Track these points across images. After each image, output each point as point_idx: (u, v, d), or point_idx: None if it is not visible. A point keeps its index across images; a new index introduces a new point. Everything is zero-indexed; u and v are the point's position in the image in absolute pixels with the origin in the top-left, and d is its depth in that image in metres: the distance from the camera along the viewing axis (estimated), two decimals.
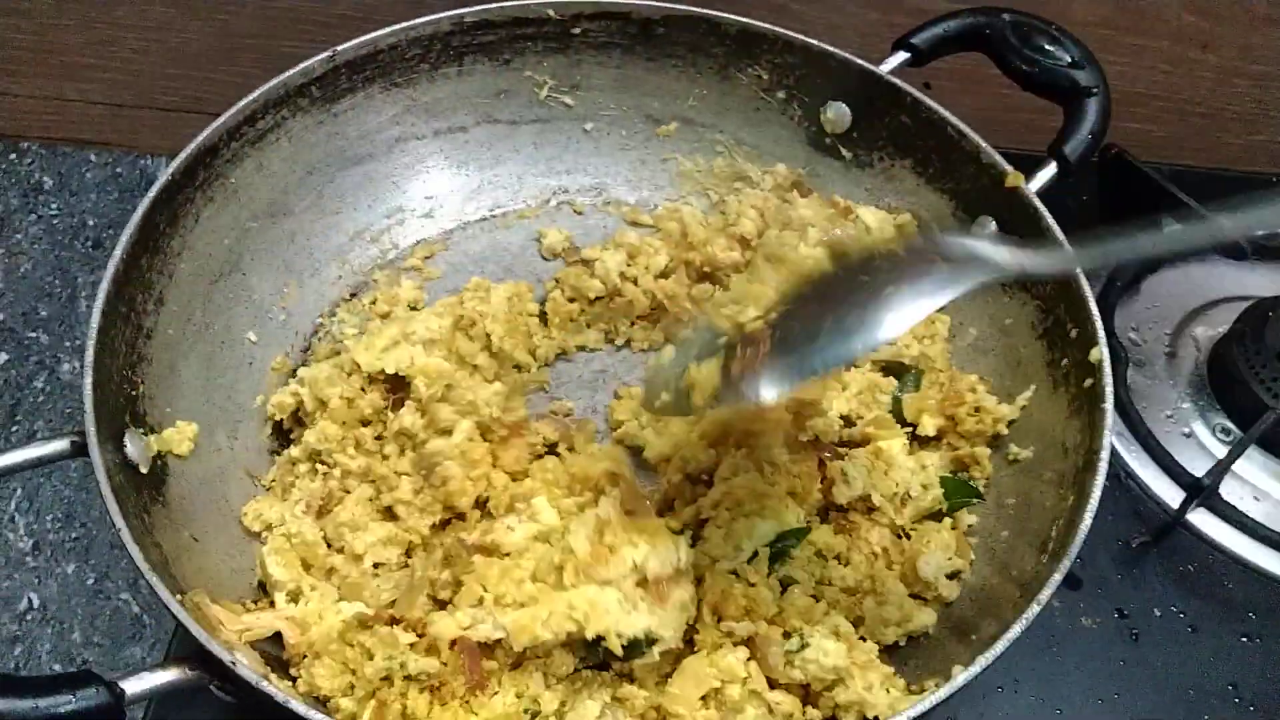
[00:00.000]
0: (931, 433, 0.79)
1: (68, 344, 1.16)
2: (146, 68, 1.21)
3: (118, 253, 0.71)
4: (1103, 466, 0.68)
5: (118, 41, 1.19)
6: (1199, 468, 0.88)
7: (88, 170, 1.29)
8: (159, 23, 1.16)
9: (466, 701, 0.64)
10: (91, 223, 1.25)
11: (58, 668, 0.98)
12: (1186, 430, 0.95)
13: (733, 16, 0.91)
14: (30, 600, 1.01)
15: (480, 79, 0.94)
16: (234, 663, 0.55)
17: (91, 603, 1.01)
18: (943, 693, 0.59)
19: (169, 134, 1.28)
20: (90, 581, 1.02)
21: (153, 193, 0.75)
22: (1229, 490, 0.89)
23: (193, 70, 1.21)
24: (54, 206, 1.26)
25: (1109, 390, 0.70)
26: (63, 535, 1.05)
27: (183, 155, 0.78)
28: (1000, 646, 0.60)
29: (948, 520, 0.75)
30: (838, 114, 0.92)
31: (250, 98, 0.83)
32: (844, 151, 0.94)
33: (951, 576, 0.73)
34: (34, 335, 1.17)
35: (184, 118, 1.26)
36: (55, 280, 1.21)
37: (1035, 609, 0.61)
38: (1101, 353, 0.72)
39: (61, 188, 1.27)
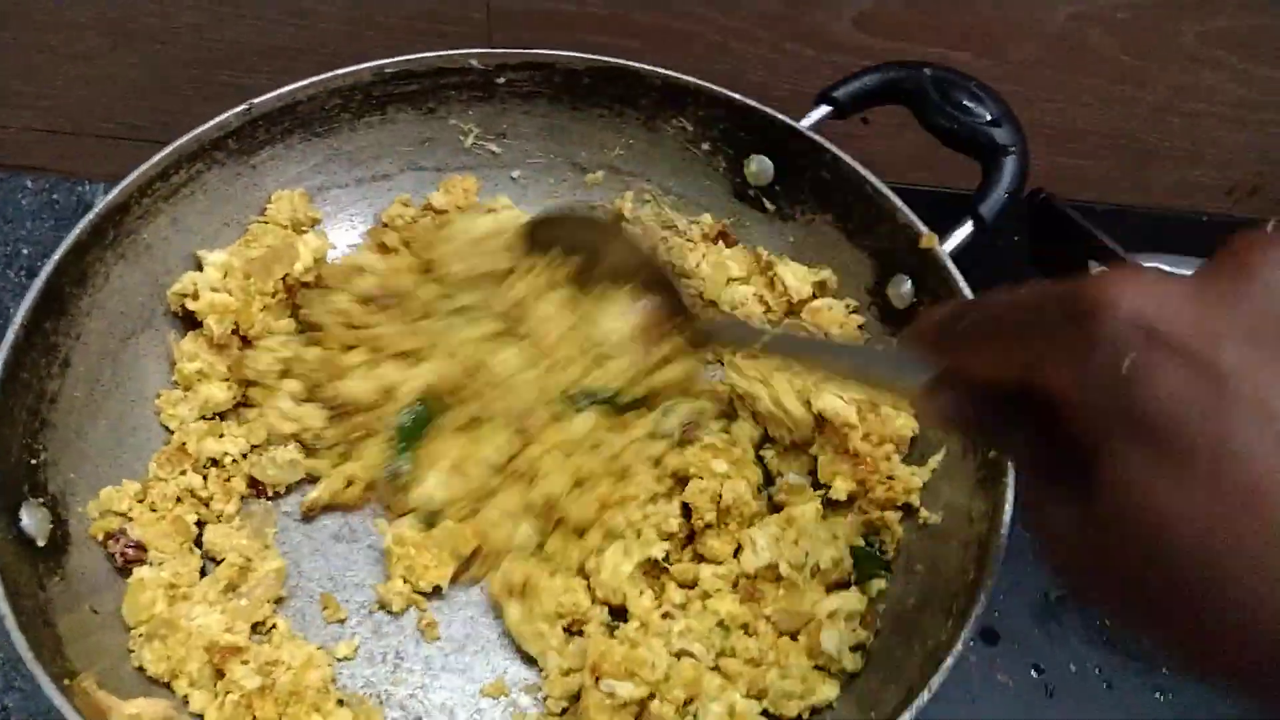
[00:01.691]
0: (843, 497, 0.79)
1: None
2: (82, 95, 1.20)
3: (17, 319, 0.70)
4: (1003, 538, 0.68)
5: (52, 69, 1.17)
6: None
7: (23, 196, 1.27)
8: (93, 51, 1.15)
9: None
10: (26, 251, 1.24)
11: None
12: None
13: (657, 70, 0.90)
14: None
15: (404, 127, 0.93)
16: None
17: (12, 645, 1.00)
18: None
19: (106, 160, 1.27)
20: None
21: (57, 255, 0.74)
22: None
23: (129, 98, 1.20)
24: None
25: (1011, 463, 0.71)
26: None
27: (89, 216, 0.76)
28: None
29: (854, 589, 0.75)
30: (760, 167, 0.92)
31: (162, 153, 0.81)
32: (767, 204, 0.94)
33: (855, 648, 0.73)
34: None
35: (120, 144, 1.25)
36: None
37: (925, 696, 0.61)
38: None
39: None
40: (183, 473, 0.79)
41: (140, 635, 0.71)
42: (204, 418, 0.82)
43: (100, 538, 0.74)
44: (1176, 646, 0.38)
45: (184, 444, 0.79)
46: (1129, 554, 0.37)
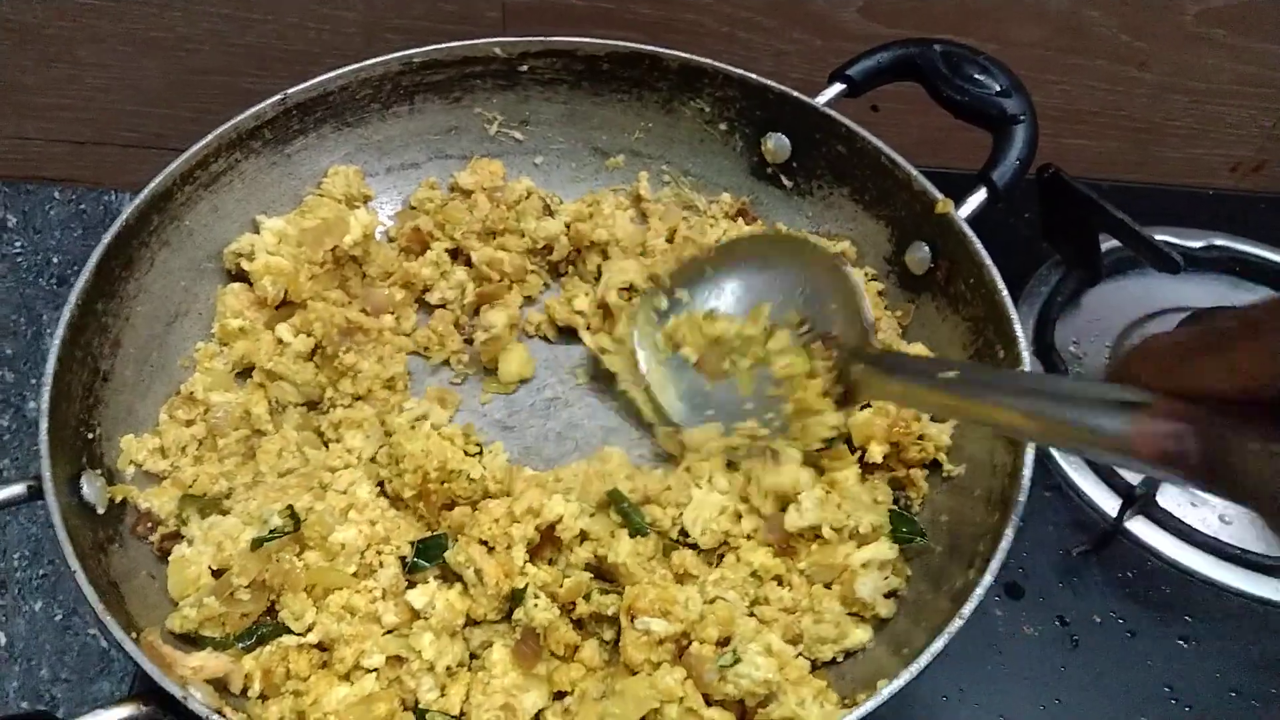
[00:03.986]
0: (878, 459, 0.81)
1: (33, 381, 1.18)
2: (107, 105, 1.23)
3: (72, 299, 0.73)
4: (1025, 485, 0.70)
5: (78, 80, 1.20)
6: (1137, 476, 0.91)
7: (51, 207, 1.30)
8: (118, 61, 1.18)
9: None
10: (56, 260, 1.27)
11: (25, 705, 1.00)
12: None
13: (674, 52, 0.94)
14: None
15: (431, 117, 0.97)
16: (185, 697, 0.57)
17: (60, 639, 1.03)
18: (870, 704, 0.61)
19: (131, 170, 1.29)
20: (58, 618, 1.04)
21: (107, 238, 0.77)
22: (1166, 497, 0.92)
23: (153, 107, 1.23)
24: (18, 244, 1.27)
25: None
26: (30, 573, 1.06)
27: (137, 201, 0.80)
28: (924, 660, 0.62)
29: (885, 540, 0.77)
30: (778, 145, 0.95)
31: (203, 142, 0.85)
32: (785, 180, 0.96)
33: (889, 595, 0.75)
34: None
35: (145, 153, 1.28)
36: (20, 318, 1.23)
37: (958, 623, 0.64)
38: None
39: (25, 225, 1.29)
40: (190, 423, 0.81)
41: (189, 605, 0.72)
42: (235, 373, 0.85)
43: (118, 499, 0.74)
44: None
45: (192, 392, 0.82)
46: None
